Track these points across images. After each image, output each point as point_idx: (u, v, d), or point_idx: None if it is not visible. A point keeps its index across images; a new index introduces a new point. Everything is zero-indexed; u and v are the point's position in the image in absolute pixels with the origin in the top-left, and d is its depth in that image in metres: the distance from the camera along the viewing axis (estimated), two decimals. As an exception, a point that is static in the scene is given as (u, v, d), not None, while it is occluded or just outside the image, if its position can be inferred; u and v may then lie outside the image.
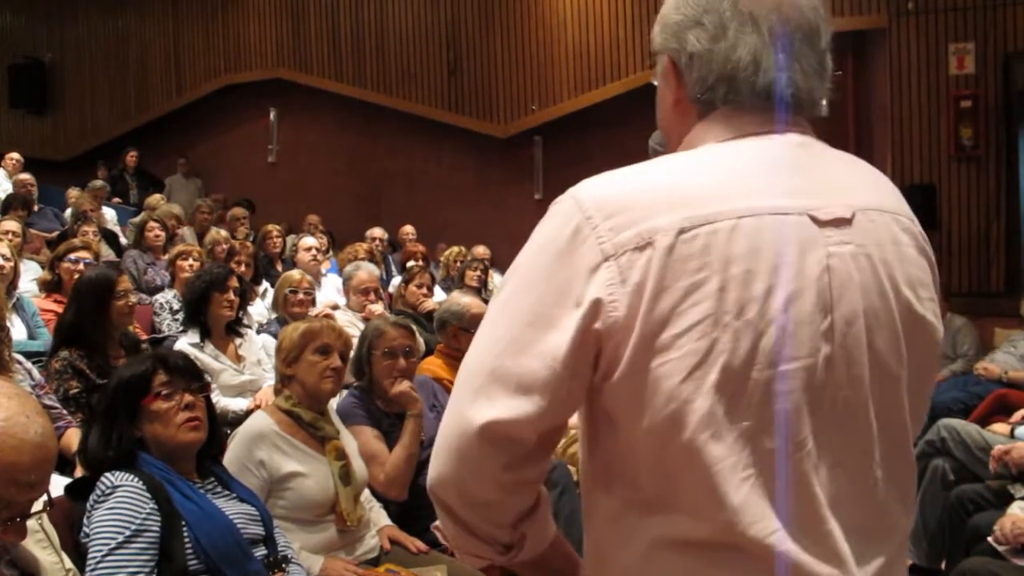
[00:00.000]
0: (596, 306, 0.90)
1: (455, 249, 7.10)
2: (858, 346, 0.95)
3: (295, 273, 4.57)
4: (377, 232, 7.88)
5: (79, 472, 2.47)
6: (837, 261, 0.94)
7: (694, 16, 1.01)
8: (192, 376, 2.15)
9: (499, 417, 0.92)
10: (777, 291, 0.90)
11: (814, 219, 0.94)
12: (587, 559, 1.06)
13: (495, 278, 6.97)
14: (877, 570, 0.96)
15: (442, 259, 7.15)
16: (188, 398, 2.09)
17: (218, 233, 6.88)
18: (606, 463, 0.99)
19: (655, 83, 1.11)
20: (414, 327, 4.36)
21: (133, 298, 3.38)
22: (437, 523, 1.09)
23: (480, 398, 0.94)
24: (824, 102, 1.04)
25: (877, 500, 0.97)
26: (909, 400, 1.01)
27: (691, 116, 1.04)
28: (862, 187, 1.02)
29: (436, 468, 0.98)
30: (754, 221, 0.91)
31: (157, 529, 1.90)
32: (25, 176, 8.00)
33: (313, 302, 4.47)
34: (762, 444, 0.90)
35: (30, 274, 4.96)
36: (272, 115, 10.30)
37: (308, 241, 6.17)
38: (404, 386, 2.86)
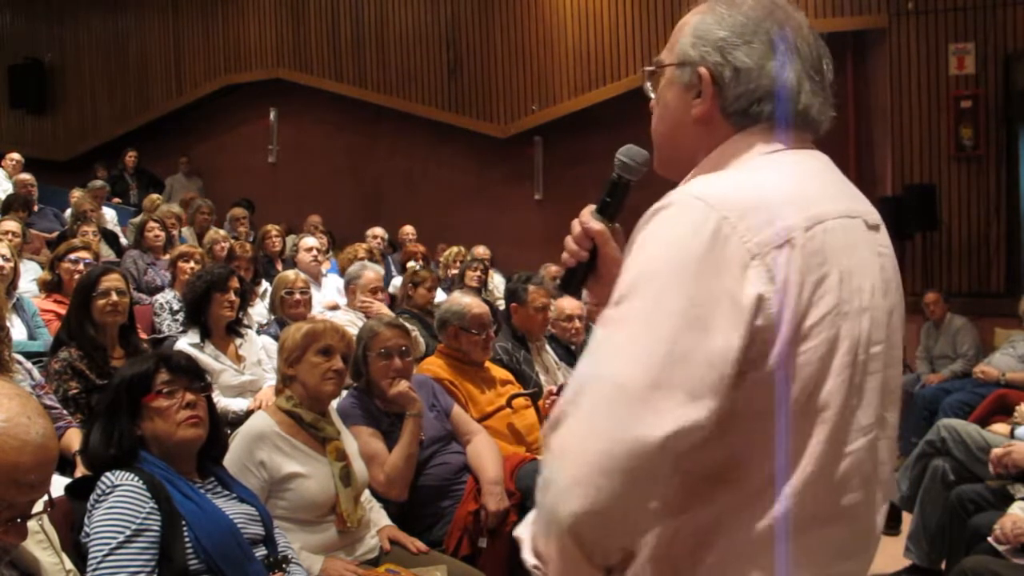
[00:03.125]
0: (759, 303, 0.94)
1: (455, 249, 7.09)
2: (895, 334, 1.09)
3: (289, 274, 4.55)
4: (378, 231, 7.88)
5: (79, 472, 2.47)
6: (884, 260, 1.09)
7: (742, 34, 1.09)
8: (194, 376, 2.16)
9: (678, 428, 0.89)
10: (865, 283, 1.03)
11: (866, 223, 1.08)
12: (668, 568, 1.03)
13: (495, 278, 6.97)
14: (883, 525, 1.11)
15: (442, 259, 7.14)
16: (189, 397, 2.10)
17: (217, 233, 6.87)
18: (719, 461, 0.98)
19: (652, 94, 1.18)
20: (416, 327, 4.38)
21: (118, 297, 3.30)
22: (532, 563, 1.01)
23: (647, 413, 0.90)
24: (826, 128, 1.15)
25: (893, 464, 1.12)
26: None
27: (721, 129, 1.10)
28: (868, 202, 1.15)
29: (584, 501, 0.90)
30: (841, 222, 1.03)
31: (157, 529, 1.90)
32: (25, 176, 7.98)
33: (310, 301, 4.46)
34: (859, 421, 1.02)
35: (30, 274, 4.95)
36: (272, 115, 10.30)
37: (309, 241, 6.16)
38: (402, 386, 2.86)
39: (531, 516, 1.03)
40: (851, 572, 1.06)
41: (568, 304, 4.39)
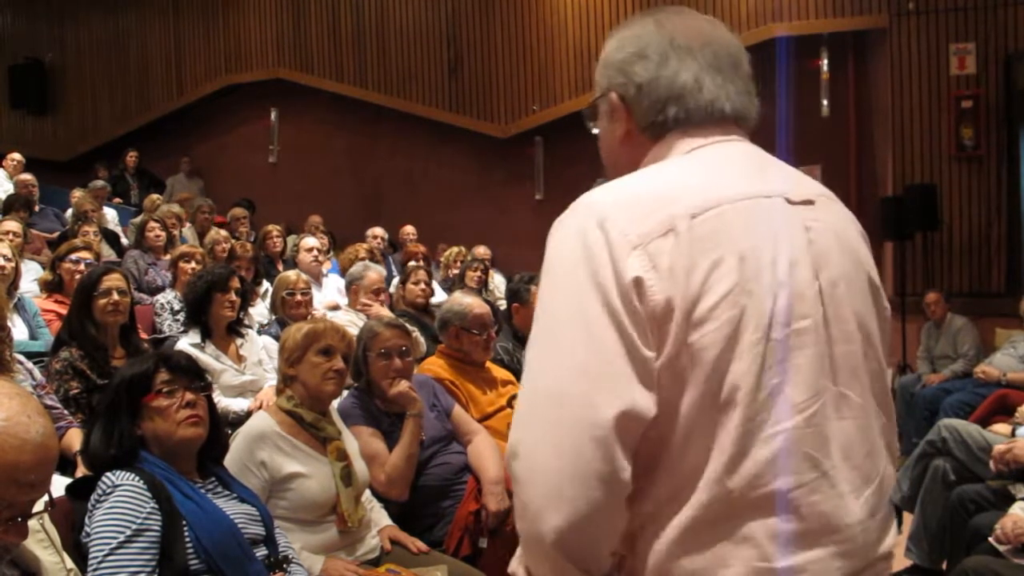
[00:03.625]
0: (637, 286, 0.96)
1: (455, 249, 7.09)
2: (843, 306, 1.07)
3: (291, 274, 4.55)
4: (378, 231, 7.88)
5: (80, 472, 2.47)
6: (815, 234, 1.07)
7: (637, 51, 1.14)
8: (194, 375, 2.16)
9: (624, 410, 0.93)
10: (780, 259, 1.02)
11: (788, 201, 1.08)
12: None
13: (495, 278, 6.97)
14: (870, 511, 1.05)
15: (442, 259, 7.15)
16: (189, 396, 2.10)
17: (218, 233, 6.88)
18: (650, 452, 0.99)
19: (596, 130, 1.23)
20: (415, 327, 4.37)
21: (119, 296, 3.30)
22: None
23: (589, 414, 0.93)
24: (755, 117, 1.17)
25: (873, 446, 1.08)
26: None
27: (642, 144, 1.15)
28: (806, 180, 1.16)
29: (564, 513, 0.93)
30: (746, 204, 1.04)
31: (158, 528, 1.90)
32: (26, 176, 7.99)
33: (311, 302, 4.46)
34: (787, 399, 0.99)
35: (31, 274, 4.96)
36: (273, 115, 10.30)
37: (309, 242, 6.17)
38: (403, 386, 2.86)
39: (520, 549, 1.06)
40: (814, 560, 0.99)
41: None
